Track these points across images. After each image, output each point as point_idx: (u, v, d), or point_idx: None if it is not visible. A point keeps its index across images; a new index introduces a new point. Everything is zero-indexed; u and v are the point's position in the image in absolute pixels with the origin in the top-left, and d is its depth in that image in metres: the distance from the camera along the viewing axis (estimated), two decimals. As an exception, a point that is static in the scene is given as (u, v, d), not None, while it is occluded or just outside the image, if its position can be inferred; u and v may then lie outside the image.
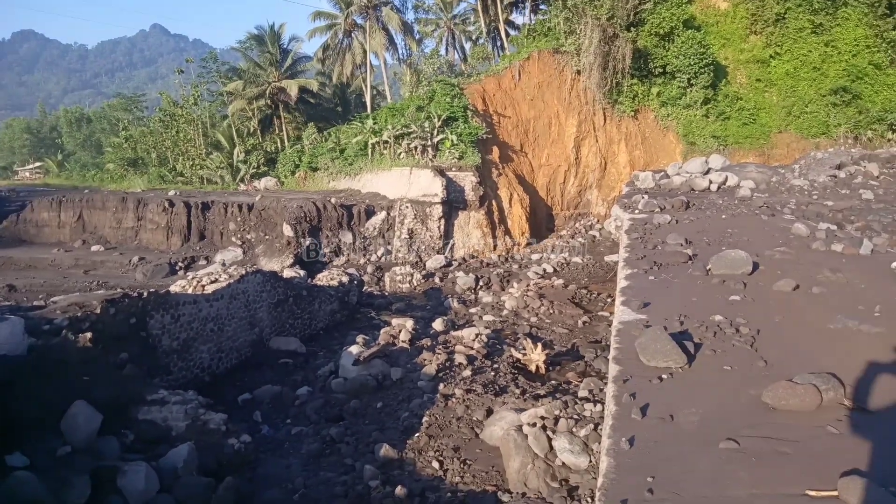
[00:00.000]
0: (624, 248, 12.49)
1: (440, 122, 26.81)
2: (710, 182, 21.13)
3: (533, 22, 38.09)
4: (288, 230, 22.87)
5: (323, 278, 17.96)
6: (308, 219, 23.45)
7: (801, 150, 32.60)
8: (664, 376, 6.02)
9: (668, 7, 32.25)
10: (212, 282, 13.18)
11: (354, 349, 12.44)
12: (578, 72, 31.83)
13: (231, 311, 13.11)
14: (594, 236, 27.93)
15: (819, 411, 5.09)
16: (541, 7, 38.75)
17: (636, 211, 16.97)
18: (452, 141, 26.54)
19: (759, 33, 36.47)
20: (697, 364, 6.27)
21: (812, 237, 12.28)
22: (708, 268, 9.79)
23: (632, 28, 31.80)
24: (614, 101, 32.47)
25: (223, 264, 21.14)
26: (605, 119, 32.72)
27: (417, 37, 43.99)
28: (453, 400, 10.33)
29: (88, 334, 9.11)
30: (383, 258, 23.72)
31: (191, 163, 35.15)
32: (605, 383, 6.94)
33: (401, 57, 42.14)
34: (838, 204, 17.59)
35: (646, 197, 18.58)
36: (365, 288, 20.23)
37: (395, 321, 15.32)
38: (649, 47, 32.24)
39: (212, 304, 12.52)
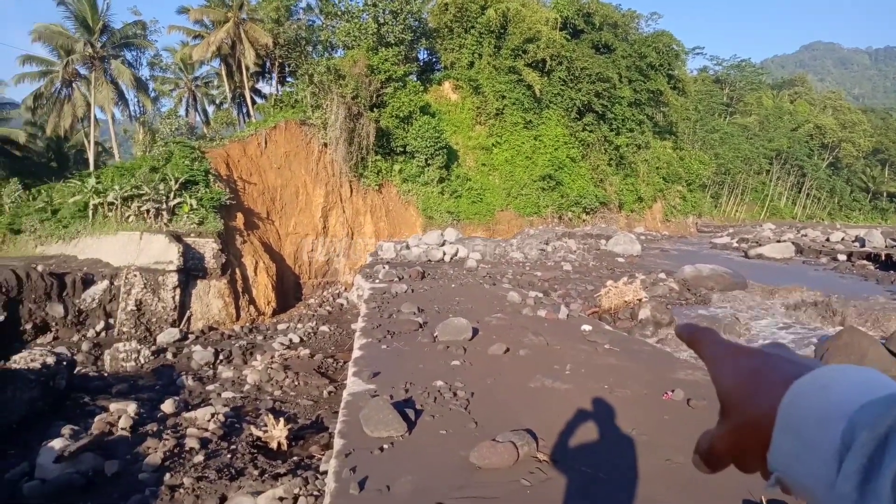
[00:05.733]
0: (362, 317, 12.88)
1: (178, 185, 25.14)
2: (444, 254, 23.08)
3: (280, 93, 38.45)
4: (-25, 304, 18.95)
5: (20, 360, 15.09)
6: (5, 289, 19.75)
7: (518, 227, 37.57)
8: (385, 446, 6.19)
9: (407, 93, 35.27)
10: None
11: (58, 443, 10.58)
12: (325, 144, 32.78)
13: None
14: (342, 304, 28.25)
15: (516, 466, 5.69)
16: (288, 79, 39.38)
17: (377, 280, 17.73)
18: (191, 205, 25.00)
19: (484, 124, 41.84)
20: (417, 431, 6.62)
21: (523, 304, 14.09)
22: (435, 335, 10.58)
23: (375, 109, 34.00)
24: (360, 175, 33.98)
25: None
26: (351, 191, 33.96)
27: (153, 94, 41.17)
28: (181, 491, 9.34)
29: None
30: (103, 334, 20.91)
31: None
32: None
33: (132, 114, 38.84)
34: (545, 274, 20.54)
35: (386, 267, 19.55)
36: (79, 369, 17.49)
37: (113, 406, 13.47)
38: (391, 128, 34.70)
39: None
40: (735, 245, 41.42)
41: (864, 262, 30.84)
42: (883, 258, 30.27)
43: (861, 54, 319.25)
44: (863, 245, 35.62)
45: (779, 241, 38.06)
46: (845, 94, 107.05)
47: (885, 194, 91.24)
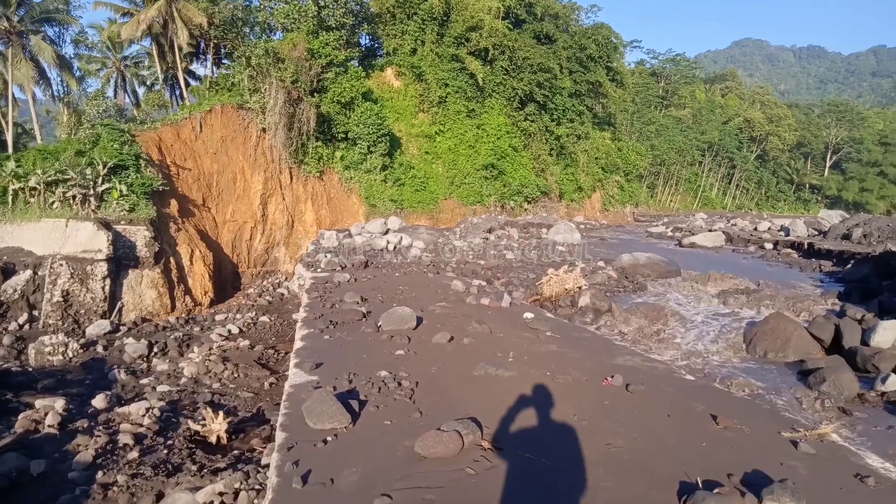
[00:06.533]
0: (303, 307, 12.69)
1: (106, 170, 23.97)
2: (388, 242, 22.95)
3: (215, 75, 37.15)
4: None
5: (-66, 357, 14.17)
6: (-86, 281, 18.43)
7: (461, 215, 37.75)
8: (329, 438, 6.14)
9: (348, 79, 34.72)
10: None
11: (-23, 444, 10.00)
12: (264, 129, 31.92)
13: None
14: (282, 294, 27.75)
15: (461, 455, 5.72)
16: (224, 61, 38.07)
17: (318, 269, 17.47)
18: (121, 191, 23.89)
19: (426, 112, 41.68)
20: (361, 422, 6.58)
21: (467, 292, 14.18)
22: (379, 324, 10.52)
23: (315, 94, 33.32)
24: (300, 162, 33.30)
25: None
26: (291, 178, 33.25)
27: (78, 74, 39.00)
28: (115, 489, 8.99)
29: None
30: (27, 326, 19.82)
31: None
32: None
33: (56, 94, 36.67)
34: (489, 263, 20.76)
35: (328, 255, 19.28)
36: (-1, 364, 16.57)
37: (39, 402, 12.81)
38: (332, 113, 34.12)
39: None
40: (669, 234, 42.98)
41: (789, 250, 32.54)
42: (805, 247, 32.01)
43: (787, 52, 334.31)
44: (787, 234, 37.58)
45: (710, 231, 39.70)
46: (772, 90, 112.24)
47: (807, 186, 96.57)
